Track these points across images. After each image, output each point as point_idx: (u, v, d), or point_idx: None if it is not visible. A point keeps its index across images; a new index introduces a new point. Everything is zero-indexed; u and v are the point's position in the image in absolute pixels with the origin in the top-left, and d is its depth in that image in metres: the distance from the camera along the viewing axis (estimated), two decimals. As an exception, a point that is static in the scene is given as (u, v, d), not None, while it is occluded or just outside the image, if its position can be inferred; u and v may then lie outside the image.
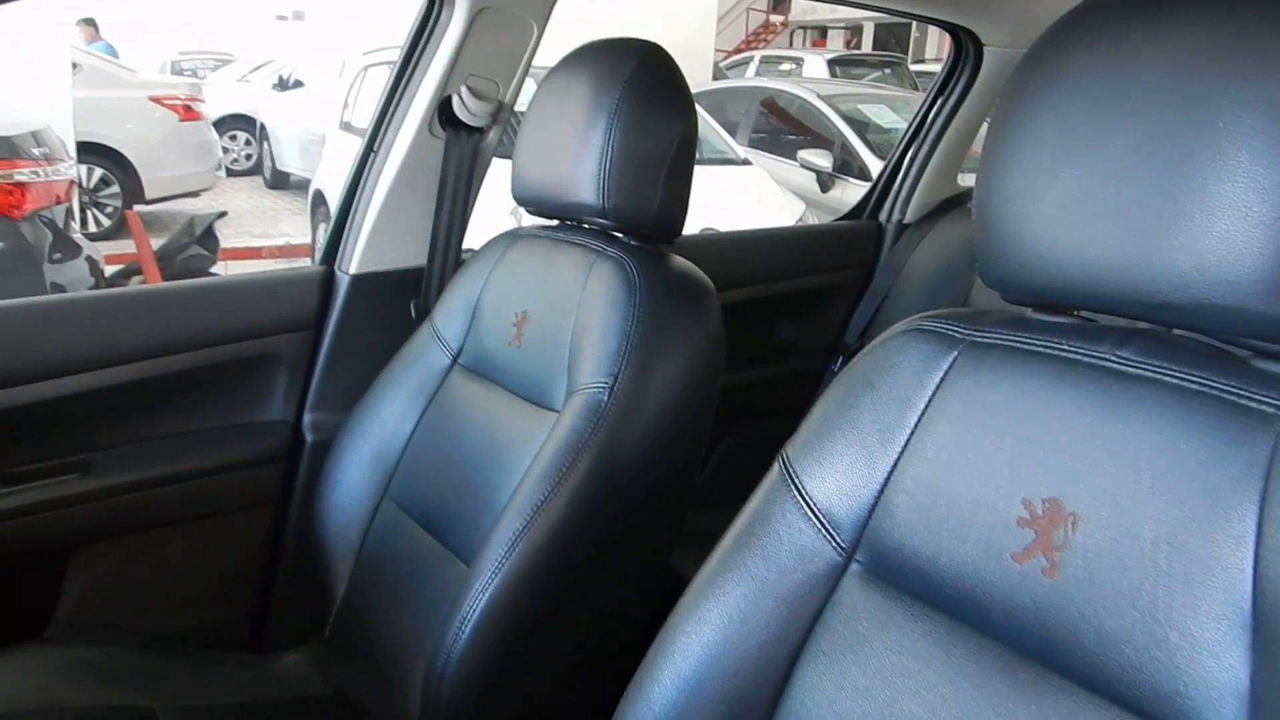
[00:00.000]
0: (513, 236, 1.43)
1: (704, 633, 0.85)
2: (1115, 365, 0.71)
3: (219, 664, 1.41)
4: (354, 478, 1.45)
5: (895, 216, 2.18)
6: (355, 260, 1.62)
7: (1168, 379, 0.67)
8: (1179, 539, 0.62)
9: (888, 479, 0.81)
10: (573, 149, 1.25)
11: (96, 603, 1.46)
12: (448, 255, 1.64)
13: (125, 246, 5.32)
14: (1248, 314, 0.62)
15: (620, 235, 1.29)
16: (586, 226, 1.34)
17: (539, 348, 1.28)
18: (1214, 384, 0.65)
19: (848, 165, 6.06)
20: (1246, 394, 0.63)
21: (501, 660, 1.08)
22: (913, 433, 0.81)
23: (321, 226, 6.00)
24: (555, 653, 1.14)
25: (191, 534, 1.52)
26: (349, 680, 1.36)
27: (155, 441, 1.52)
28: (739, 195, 5.15)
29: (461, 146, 1.61)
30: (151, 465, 1.48)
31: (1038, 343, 0.76)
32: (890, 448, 0.82)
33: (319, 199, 6.11)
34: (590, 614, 1.17)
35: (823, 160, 5.98)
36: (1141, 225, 0.65)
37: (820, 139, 6.35)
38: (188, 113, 7.05)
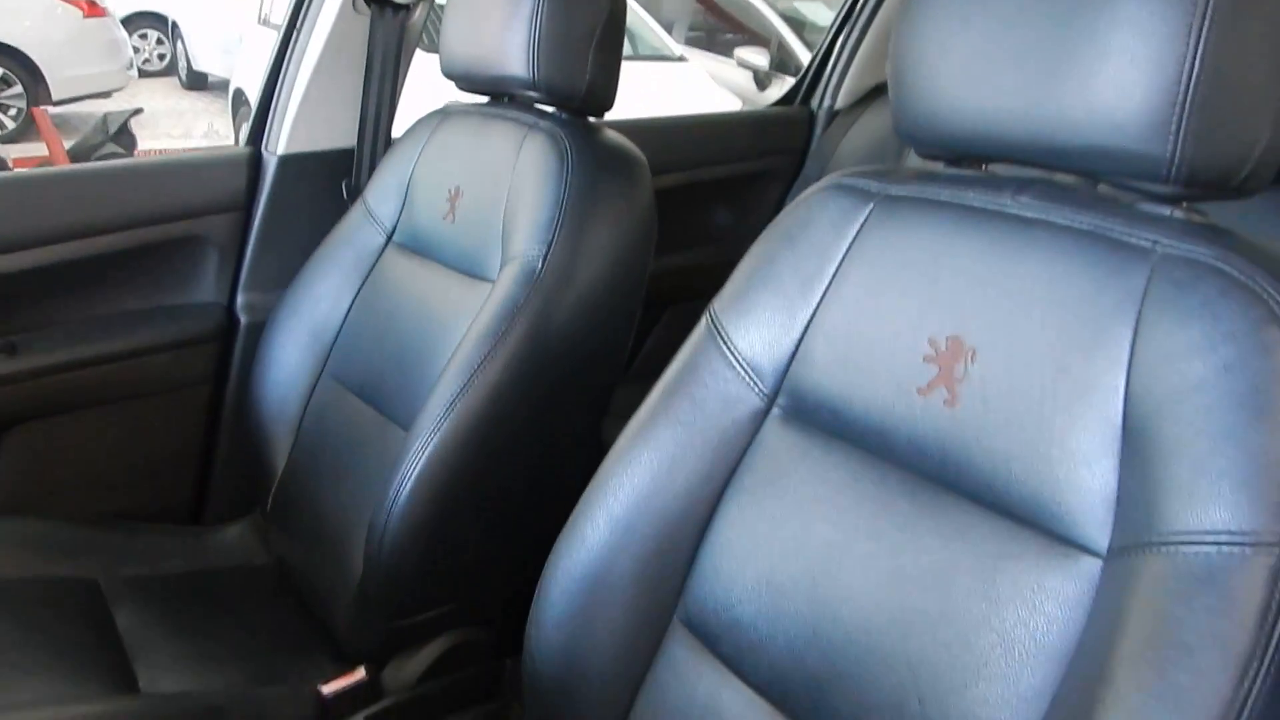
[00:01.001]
0: (443, 114, 1.43)
1: (635, 475, 0.90)
2: (1013, 211, 0.75)
3: (160, 536, 1.43)
4: (291, 356, 1.46)
5: (826, 103, 2.21)
6: (283, 141, 1.60)
7: (1058, 222, 0.72)
8: (1064, 364, 0.68)
9: (807, 327, 0.86)
10: (501, 21, 1.24)
11: (32, 482, 1.47)
12: (377, 135, 1.63)
13: (35, 149, 5.10)
14: (1133, 155, 0.66)
15: (551, 109, 1.30)
16: (517, 101, 1.34)
17: (473, 221, 1.29)
18: (1099, 224, 0.70)
19: (785, 64, 6.03)
20: (1127, 232, 0.68)
21: (439, 518, 1.12)
22: (830, 283, 0.85)
23: (244, 126, 5.82)
24: (491, 512, 1.18)
25: (126, 414, 1.53)
26: (291, 549, 1.39)
27: (84, 323, 1.51)
28: (675, 92, 5.11)
29: (387, 24, 1.58)
30: (80, 346, 1.47)
31: (945, 194, 0.80)
32: (809, 298, 0.86)
33: (240, 98, 5.91)
34: (524, 478, 1.22)
35: (759, 59, 5.94)
36: (1038, 73, 0.69)
37: (757, 37, 6.30)
38: (91, 8, 6.71)
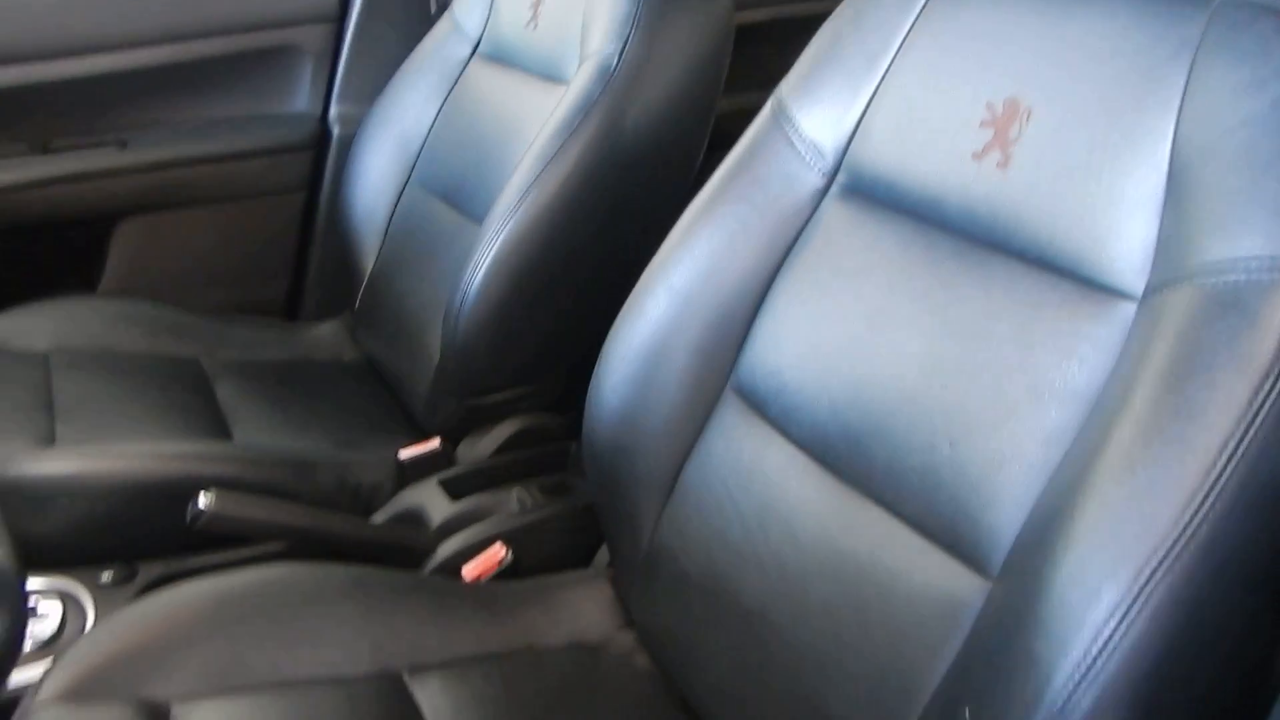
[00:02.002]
0: (528, -80, 1.44)
1: (696, 251, 0.94)
2: (1078, -28, 0.74)
3: (257, 328, 1.53)
4: (379, 164, 1.52)
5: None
6: (374, -48, 1.63)
7: None
8: (1116, 115, 0.68)
9: (869, 104, 0.87)
10: None
11: (139, 272, 1.58)
12: (465, -52, 1.64)
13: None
14: None
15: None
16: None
17: (554, 25, 1.31)
18: (1165, -26, 0.69)
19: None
20: None
21: (509, 303, 1.18)
22: (893, 58, 0.86)
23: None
24: (560, 300, 1.23)
25: (225, 215, 1.62)
26: (376, 344, 1.48)
27: (187, 125, 1.59)
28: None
29: None
30: (183, 145, 1.56)
31: None
32: (872, 75, 0.87)
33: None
34: (592, 270, 1.26)
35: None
36: None
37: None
38: None
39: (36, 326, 1.35)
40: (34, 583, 1.02)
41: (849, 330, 0.84)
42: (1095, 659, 0.57)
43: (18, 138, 1.46)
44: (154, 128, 1.56)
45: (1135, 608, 0.56)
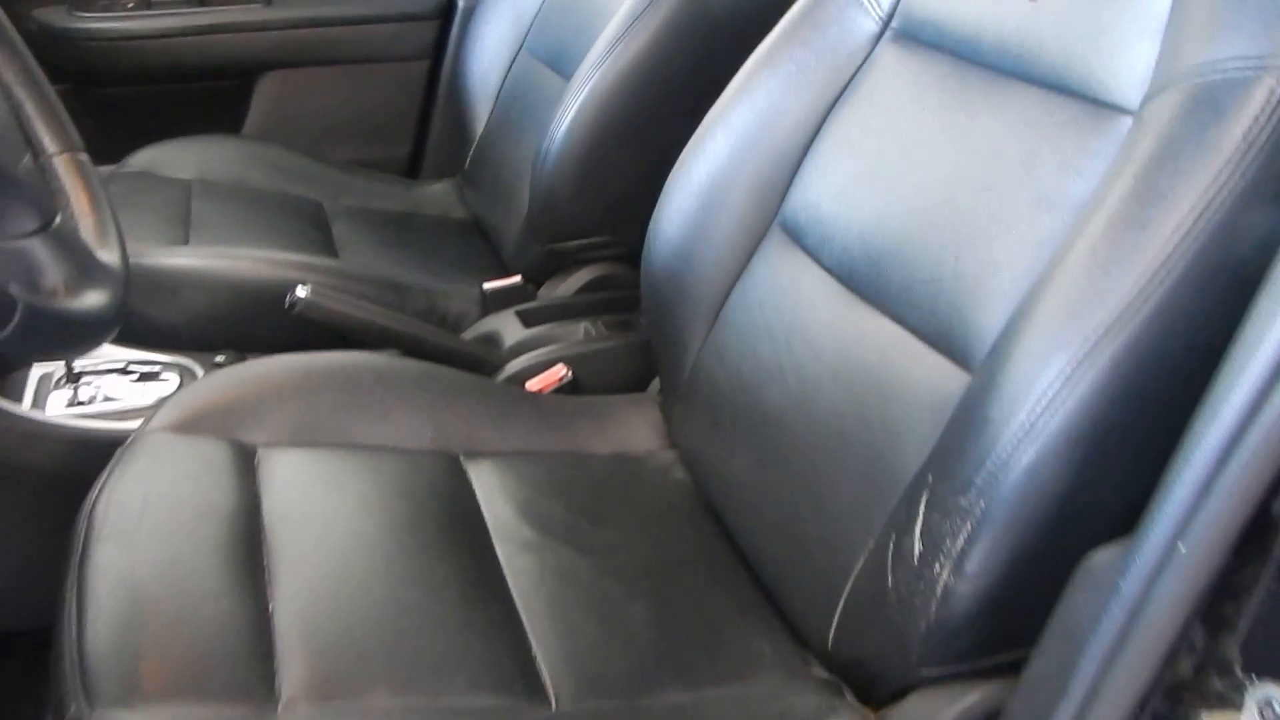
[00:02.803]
0: None
1: (755, 95, 0.99)
2: None
3: (377, 181, 1.67)
4: (496, 33, 1.62)
5: None
6: None
7: None
8: None
9: None
10: None
11: (275, 122, 1.73)
12: None
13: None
14: None
15: None
16: None
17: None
18: None
19: None
20: None
21: (592, 152, 1.25)
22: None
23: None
24: (641, 152, 1.30)
25: (354, 75, 1.75)
26: (478, 201, 1.59)
27: None
28: None
29: None
30: (322, 7, 1.69)
31: None
32: None
33: None
34: (672, 126, 1.32)
35: None
36: None
37: None
38: None
39: (184, 158, 1.51)
40: (159, 358, 1.18)
41: (882, 163, 0.89)
42: (1039, 418, 0.62)
43: (181, -10, 1.63)
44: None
45: (1080, 371, 0.61)
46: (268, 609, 0.76)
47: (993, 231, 0.75)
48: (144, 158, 1.51)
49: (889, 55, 0.93)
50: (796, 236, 0.96)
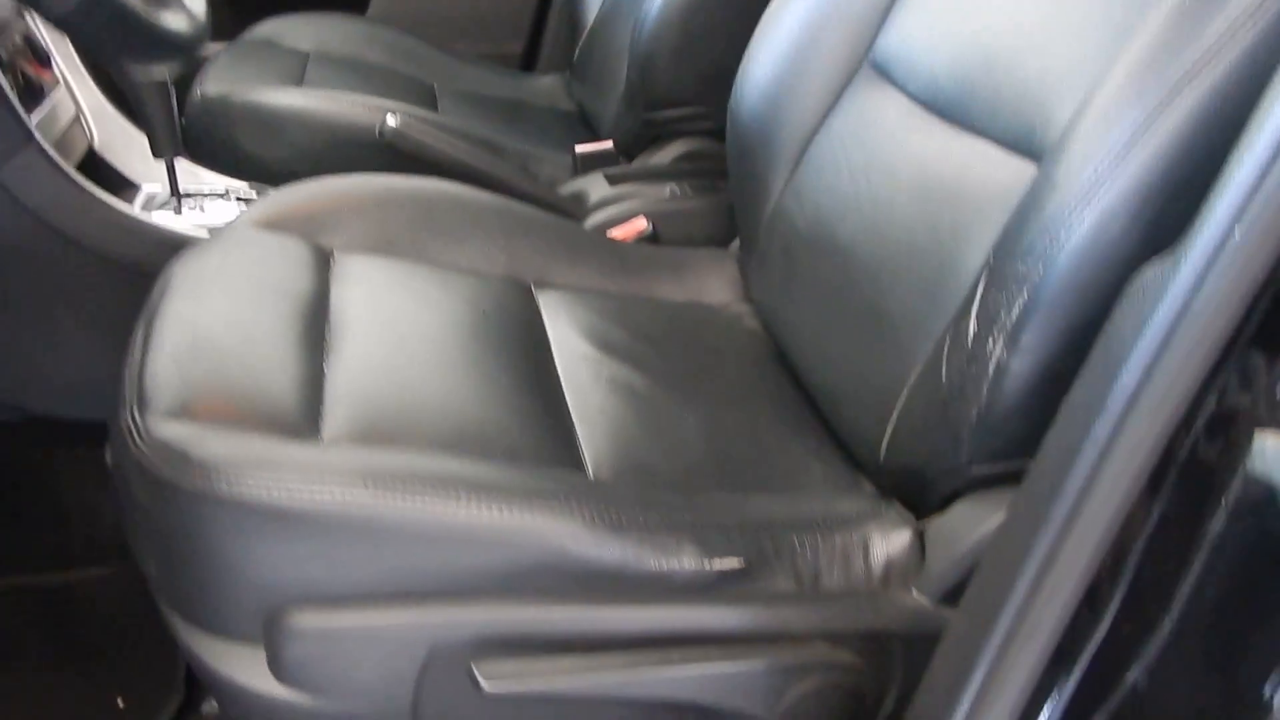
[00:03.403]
0: None
1: None
2: None
3: (491, 70, 1.69)
4: None
5: None
6: None
7: None
8: None
9: None
10: None
11: (401, 6, 1.78)
12: None
13: None
14: None
15: None
16: None
17: None
18: None
19: None
20: None
21: (688, 20, 1.25)
22: None
23: None
24: (736, 21, 1.28)
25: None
26: (584, 93, 1.60)
27: None
28: None
29: None
30: None
31: None
32: None
33: None
34: None
35: None
36: None
37: None
38: None
39: (305, 31, 1.56)
40: (258, 188, 1.22)
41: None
42: (1108, 172, 0.58)
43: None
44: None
45: (1158, 121, 0.57)
46: (322, 368, 0.78)
47: (1074, 32, 0.71)
48: (267, 28, 1.56)
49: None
50: (885, 71, 0.93)
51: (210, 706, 0.99)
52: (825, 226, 0.93)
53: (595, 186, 1.25)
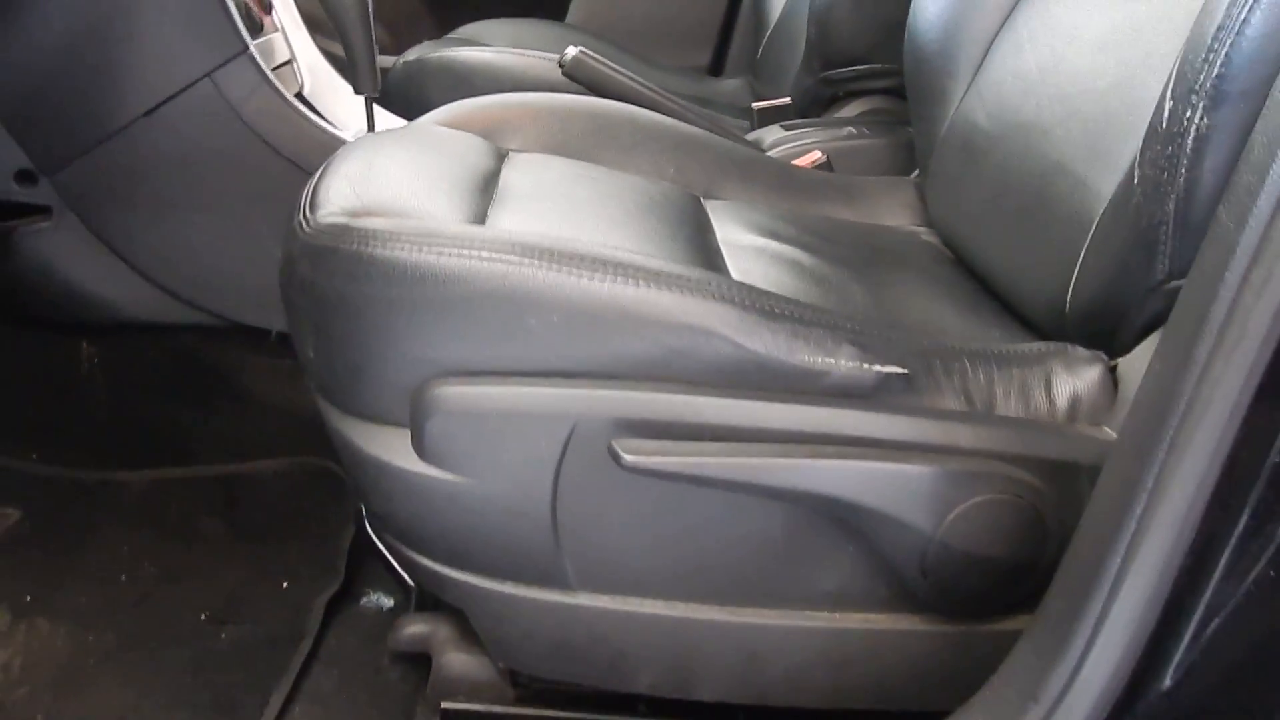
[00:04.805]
0: None
1: None
2: None
3: (675, 74, 1.74)
4: None
5: None
6: None
7: None
8: None
9: None
10: None
11: (596, 16, 1.88)
12: None
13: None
14: None
15: None
16: None
17: None
18: None
19: None
20: None
21: None
22: None
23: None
24: None
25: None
26: (764, 90, 1.62)
27: None
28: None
29: None
30: None
31: None
32: None
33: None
34: None
35: None
36: None
37: None
38: None
39: (504, 32, 1.66)
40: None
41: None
42: None
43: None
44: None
45: None
46: (486, 211, 0.79)
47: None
48: (470, 29, 1.67)
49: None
50: None
51: (370, 599, 1.00)
52: (1008, 109, 0.88)
53: (770, 133, 1.24)
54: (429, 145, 0.90)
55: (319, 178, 0.77)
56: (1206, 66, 0.57)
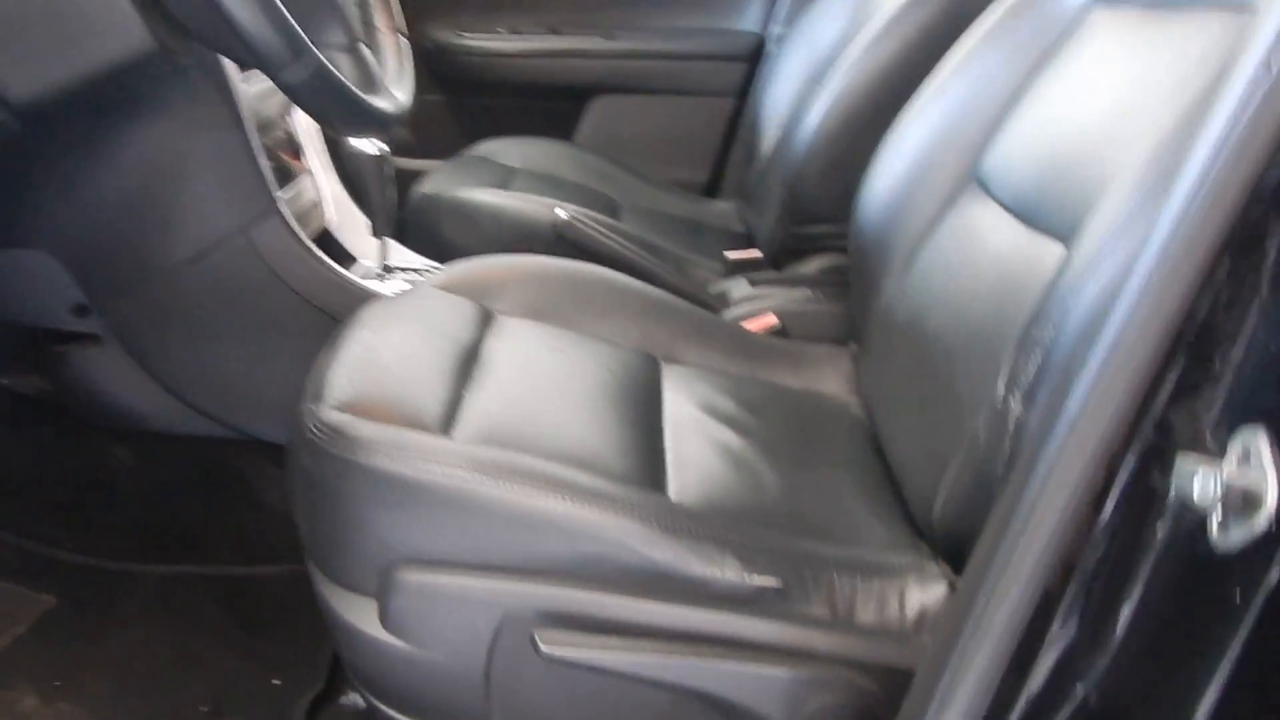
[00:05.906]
0: None
1: (973, 64, 1.10)
2: None
3: (671, 193, 1.90)
4: (791, 71, 1.81)
5: None
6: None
7: None
8: None
9: None
10: None
11: (602, 135, 2.03)
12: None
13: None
14: None
15: None
16: None
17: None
18: None
19: None
20: None
21: (837, 140, 1.40)
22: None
23: None
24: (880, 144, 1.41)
25: (667, 105, 2.02)
26: (750, 214, 1.77)
27: (647, 30, 2.02)
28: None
29: None
30: (647, 41, 1.98)
31: None
32: None
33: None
34: None
35: None
36: None
37: None
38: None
39: (516, 151, 1.83)
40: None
41: (1065, 109, 0.95)
42: (1105, 254, 0.67)
43: (540, 22, 1.98)
44: (630, 29, 2.01)
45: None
46: (463, 393, 0.94)
47: (1131, 139, 0.80)
48: (485, 147, 1.84)
49: (1093, 21, 0.99)
50: (985, 185, 1.03)
51: (349, 699, 1.15)
52: (919, 319, 1.02)
53: (738, 287, 1.39)
54: (425, 318, 1.05)
55: (326, 360, 0.93)
56: (1026, 368, 0.72)
